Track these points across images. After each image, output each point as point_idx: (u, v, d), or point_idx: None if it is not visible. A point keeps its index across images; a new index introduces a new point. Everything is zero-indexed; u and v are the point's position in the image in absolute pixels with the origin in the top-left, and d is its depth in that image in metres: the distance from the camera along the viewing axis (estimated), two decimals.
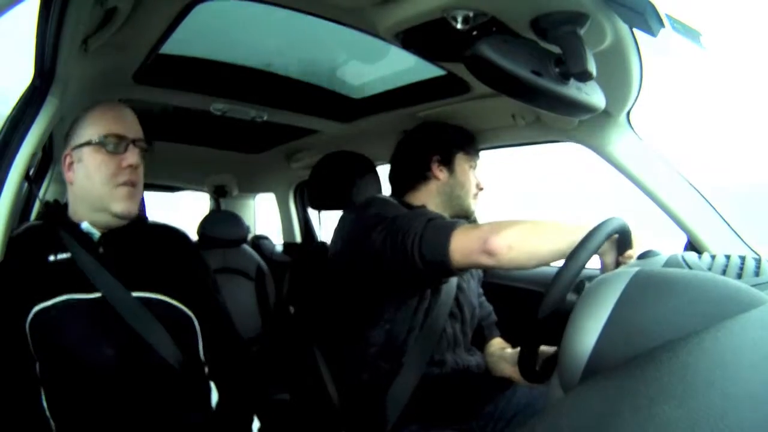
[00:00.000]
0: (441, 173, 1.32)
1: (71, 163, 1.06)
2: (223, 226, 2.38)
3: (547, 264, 0.96)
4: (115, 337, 0.98)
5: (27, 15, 0.90)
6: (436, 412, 1.14)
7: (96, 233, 1.05)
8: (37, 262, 1.01)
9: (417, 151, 1.36)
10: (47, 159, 1.69)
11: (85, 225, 1.05)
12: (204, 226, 2.35)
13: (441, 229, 1.00)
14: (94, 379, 0.95)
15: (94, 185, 1.03)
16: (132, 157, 1.03)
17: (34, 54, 1.01)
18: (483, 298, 1.42)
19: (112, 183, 1.03)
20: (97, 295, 0.99)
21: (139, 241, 1.10)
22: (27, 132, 1.05)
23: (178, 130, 2.14)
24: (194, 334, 1.08)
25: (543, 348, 0.92)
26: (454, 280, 1.26)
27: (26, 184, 1.15)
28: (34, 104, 1.06)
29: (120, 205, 1.03)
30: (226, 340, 1.15)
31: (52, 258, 1.01)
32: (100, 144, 1.03)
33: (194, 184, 2.89)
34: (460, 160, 1.33)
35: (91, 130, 1.04)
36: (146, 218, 1.17)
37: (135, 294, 1.01)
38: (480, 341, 1.39)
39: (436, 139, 1.36)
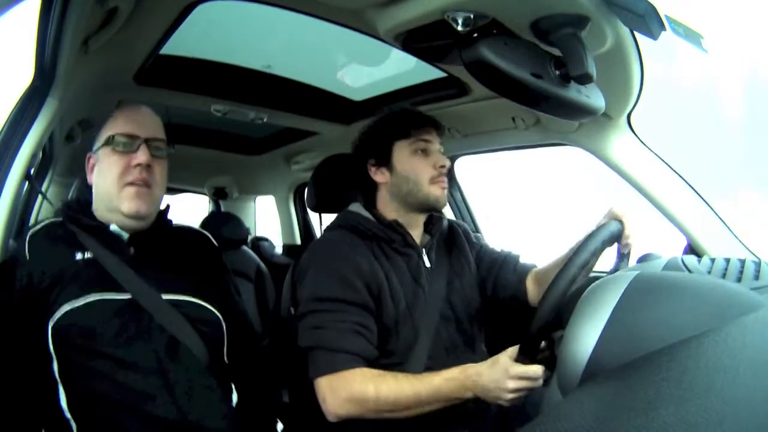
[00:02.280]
0: (382, 175, 1.20)
1: (93, 166, 1.08)
2: (223, 227, 2.38)
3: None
4: (147, 336, 0.97)
5: (27, 15, 0.90)
6: (437, 414, 1.13)
7: (125, 234, 1.05)
8: (64, 260, 1.00)
9: (356, 163, 1.25)
10: (47, 159, 1.69)
11: (113, 227, 1.04)
12: (204, 228, 2.34)
13: (319, 362, 1.06)
14: (126, 379, 0.94)
15: (106, 185, 1.04)
16: (141, 155, 1.02)
17: (34, 54, 1.01)
18: (489, 264, 1.32)
19: (121, 182, 1.02)
20: (129, 296, 0.99)
21: (166, 243, 1.10)
22: (27, 132, 1.05)
23: (178, 131, 2.14)
24: (221, 336, 1.08)
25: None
26: (442, 285, 1.22)
27: (27, 184, 1.15)
28: (34, 104, 1.07)
29: (127, 205, 1.02)
30: (247, 342, 1.17)
31: (79, 256, 1.00)
32: (111, 144, 1.04)
33: (194, 186, 2.89)
34: (399, 151, 1.18)
35: (106, 131, 1.05)
36: (171, 221, 1.17)
37: (166, 296, 1.01)
38: (516, 293, 1.27)
39: (366, 142, 1.24)
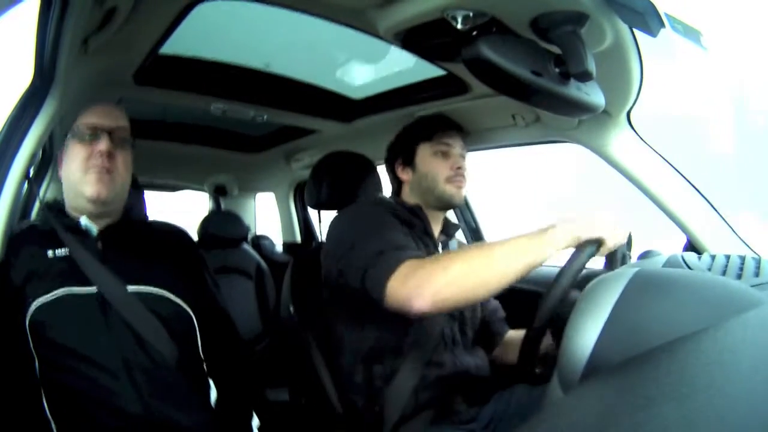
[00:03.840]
0: (406, 174, 1.32)
1: (62, 159, 1.11)
2: (223, 225, 2.39)
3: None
4: (113, 331, 0.99)
5: (27, 15, 0.90)
6: (436, 413, 1.13)
7: (94, 229, 1.07)
8: (37, 259, 1.02)
9: (388, 163, 1.38)
10: (47, 159, 1.69)
11: (83, 221, 1.06)
12: (204, 226, 2.36)
13: (383, 266, 1.00)
14: (93, 375, 0.96)
15: (71, 172, 1.07)
16: (102, 144, 1.05)
17: (34, 54, 1.02)
18: None
19: (84, 168, 1.05)
20: (95, 289, 1.00)
21: (137, 238, 1.12)
22: (27, 132, 1.06)
23: (178, 129, 2.14)
24: (192, 330, 1.08)
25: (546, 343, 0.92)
26: None
27: (26, 184, 1.16)
28: (34, 104, 1.07)
29: (89, 188, 1.04)
30: (225, 338, 1.16)
31: (51, 254, 1.03)
32: (76, 134, 1.07)
33: (194, 184, 2.89)
34: (422, 152, 1.30)
35: (74, 125, 1.09)
36: (146, 216, 1.18)
37: (132, 288, 1.02)
38: (489, 339, 1.35)
39: (397, 144, 1.37)
